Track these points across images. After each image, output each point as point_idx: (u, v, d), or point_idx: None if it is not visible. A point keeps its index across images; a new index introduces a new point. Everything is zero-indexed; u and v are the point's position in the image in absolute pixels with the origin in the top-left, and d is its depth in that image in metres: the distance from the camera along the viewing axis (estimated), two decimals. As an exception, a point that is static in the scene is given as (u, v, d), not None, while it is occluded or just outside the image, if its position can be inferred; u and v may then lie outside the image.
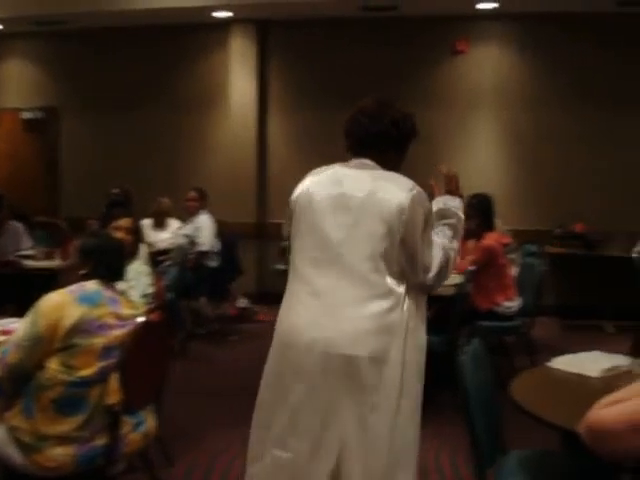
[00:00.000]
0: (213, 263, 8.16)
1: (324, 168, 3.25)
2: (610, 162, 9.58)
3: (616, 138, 9.63)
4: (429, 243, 2.98)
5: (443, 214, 3.18)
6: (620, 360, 3.48)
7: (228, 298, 8.99)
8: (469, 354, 3.11)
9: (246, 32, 10.27)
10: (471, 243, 6.66)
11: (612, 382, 3.19)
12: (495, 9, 9.51)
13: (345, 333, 2.86)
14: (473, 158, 9.96)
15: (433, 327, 3.80)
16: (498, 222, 6.80)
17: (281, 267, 8.98)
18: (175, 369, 5.31)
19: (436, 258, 2.99)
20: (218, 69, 10.49)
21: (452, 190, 3.31)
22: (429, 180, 3.34)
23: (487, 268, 6.25)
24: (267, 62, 10.44)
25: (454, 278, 6.07)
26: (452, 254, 3.07)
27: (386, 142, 3.14)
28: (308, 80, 10.32)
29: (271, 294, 9.72)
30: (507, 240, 6.86)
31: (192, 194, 8.39)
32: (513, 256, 7.50)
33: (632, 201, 9.53)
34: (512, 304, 6.40)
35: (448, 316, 5.84)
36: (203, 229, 8.10)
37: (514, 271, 7.02)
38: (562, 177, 9.74)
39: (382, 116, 3.17)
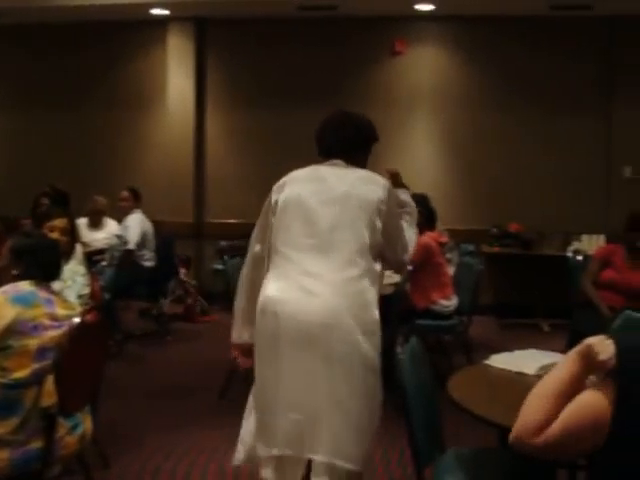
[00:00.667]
0: (149, 263, 8.08)
1: (304, 169, 3.66)
2: (545, 162, 9.71)
3: (551, 138, 9.77)
4: (401, 226, 3.52)
5: (402, 203, 3.68)
6: (555, 358, 3.52)
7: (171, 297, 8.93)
8: (407, 353, 3.12)
9: (184, 30, 10.20)
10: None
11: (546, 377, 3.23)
12: (432, 11, 9.59)
13: (335, 306, 3.23)
14: (411, 158, 10.02)
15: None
16: (437, 222, 6.85)
17: (219, 267, 8.94)
18: (111, 370, 5.27)
19: (411, 239, 3.57)
20: (156, 67, 10.40)
21: (398, 184, 3.79)
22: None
23: (424, 267, 6.29)
24: (205, 60, 10.38)
25: (392, 277, 6.10)
26: (412, 237, 3.62)
27: (352, 146, 3.59)
28: (246, 78, 10.28)
29: (209, 294, 9.70)
30: (444, 239, 6.91)
31: (125, 194, 8.27)
32: (450, 255, 7.57)
33: (567, 201, 9.68)
34: (449, 303, 6.45)
35: (386, 315, 5.85)
36: (130, 229, 7.99)
37: (451, 270, 7.08)
38: (498, 177, 9.85)
39: (347, 124, 3.66)
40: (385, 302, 5.81)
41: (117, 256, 7.77)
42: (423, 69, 10.06)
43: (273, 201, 3.55)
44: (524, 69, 9.79)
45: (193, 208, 10.32)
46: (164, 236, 8.56)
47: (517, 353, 3.68)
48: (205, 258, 10.32)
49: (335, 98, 10.01)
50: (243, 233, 9.54)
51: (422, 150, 10.08)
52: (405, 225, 3.57)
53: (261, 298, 3.38)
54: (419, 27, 10.00)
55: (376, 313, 3.35)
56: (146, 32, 10.37)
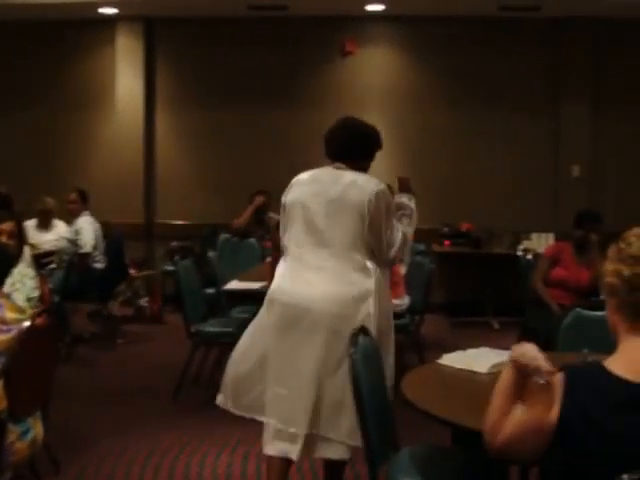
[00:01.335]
0: (99, 265, 8.00)
1: (307, 172, 4.11)
2: (495, 161, 9.81)
3: (500, 138, 9.87)
4: (391, 226, 3.88)
5: (400, 206, 4.11)
6: (506, 356, 3.53)
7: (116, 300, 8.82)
8: (359, 352, 3.12)
9: (132, 29, 10.10)
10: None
11: (499, 377, 3.25)
12: (383, 11, 9.62)
13: (333, 296, 3.75)
14: (361, 158, 10.04)
15: None
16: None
17: (169, 268, 8.89)
18: (62, 374, 5.21)
19: (397, 237, 3.89)
20: (104, 66, 10.28)
21: (405, 189, 4.25)
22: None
23: (377, 266, 6.30)
24: (154, 60, 10.29)
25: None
26: (408, 235, 3.98)
27: (354, 151, 4.01)
28: (196, 79, 10.22)
29: (160, 295, 9.64)
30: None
31: (73, 196, 8.15)
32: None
33: (517, 200, 9.79)
34: (401, 302, 6.46)
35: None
36: (84, 232, 7.90)
37: (403, 269, 7.10)
38: (449, 176, 9.92)
39: (350, 131, 4.08)
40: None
41: (67, 259, 7.68)
42: (374, 69, 10.09)
43: (282, 202, 4.05)
44: (474, 69, 9.88)
45: (143, 209, 10.23)
46: (113, 237, 8.47)
47: (469, 352, 3.70)
48: (155, 259, 10.25)
49: (286, 98, 10.03)
50: (194, 234, 9.65)
51: (373, 150, 10.10)
52: (398, 225, 3.95)
53: (270, 289, 3.96)
54: (370, 27, 10.03)
55: (369, 304, 3.75)
56: (94, 31, 10.24)
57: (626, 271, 2.15)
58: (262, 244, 8.08)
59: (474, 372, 3.39)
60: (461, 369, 3.44)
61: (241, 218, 8.31)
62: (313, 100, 10.01)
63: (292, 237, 3.95)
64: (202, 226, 9.65)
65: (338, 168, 3.99)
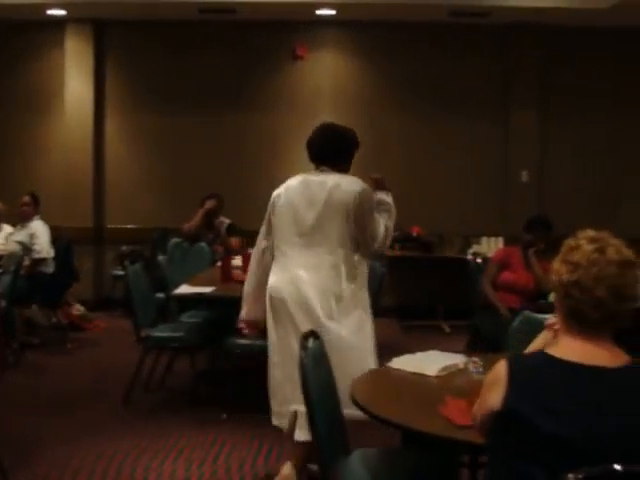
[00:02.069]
0: (48, 269, 7.91)
1: (296, 177, 4.46)
2: (446, 166, 9.88)
3: (451, 143, 9.95)
4: (374, 221, 4.25)
5: (380, 202, 4.43)
6: (455, 358, 3.58)
7: (63, 305, 8.71)
8: (310, 355, 3.12)
9: (82, 32, 9.99)
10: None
11: (448, 380, 3.28)
12: (334, 16, 9.64)
13: (321, 289, 4.17)
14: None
15: None
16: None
17: (119, 272, 8.81)
18: (9, 380, 5.15)
19: (380, 231, 4.27)
20: (53, 69, 10.16)
21: (381, 186, 4.55)
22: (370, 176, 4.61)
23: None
24: (104, 63, 10.19)
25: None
26: (389, 228, 4.34)
27: (332, 154, 4.41)
28: (146, 82, 10.15)
29: (110, 300, 9.56)
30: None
31: (26, 199, 8.06)
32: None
33: (467, 204, 9.87)
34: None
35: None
36: (38, 236, 7.82)
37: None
38: (399, 180, 9.93)
39: (329, 135, 4.50)
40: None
41: (16, 263, 7.57)
42: (324, 73, 10.11)
43: (273, 205, 4.42)
44: (424, 74, 9.95)
45: (92, 213, 10.12)
46: (62, 241, 8.38)
47: (418, 355, 3.72)
48: (105, 264, 10.16)
49: (237, 102, 10.01)
50: (144, 238, 9.57)
51: (324, 154, 10.11)
52: (381, 220, 4.31)
53: (268, 286, 4.31)
54: (320, 32, 10.05)
55: (354, 297, 4.25)
56: (43, 33, 10.12)
57: (565, 275, 2.25)
58: (213, 248, 8.05)
59: (424, 375, 3.41)
60: (411, 372, 3.46)
61: (191, 222, 8.27)
62: (264, 104, 10.00)
63: (284, 238, 4.33)
64: (152, 230, 9.59)
65: (322, 172, 4.37)
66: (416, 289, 9.95)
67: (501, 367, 2.22)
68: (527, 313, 4.13)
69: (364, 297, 4.39)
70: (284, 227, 4.33)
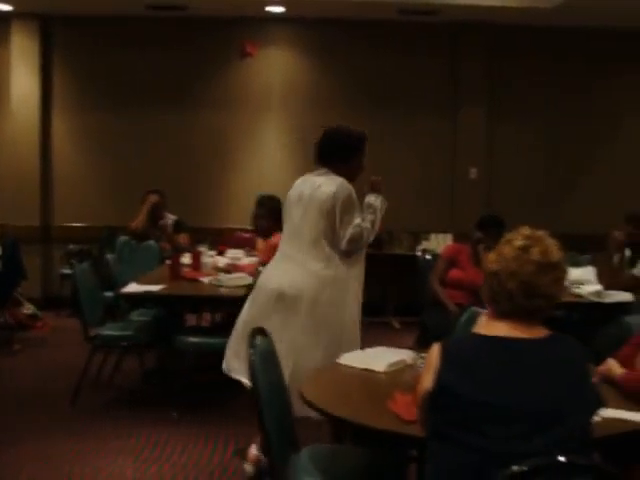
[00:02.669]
0: (-5, 268, 7.81)
1: (301, 177, 4.71)
2: (395, 163, 9.91)
3: (400, 140, 9.98)
4: (346, 221, 4.43)
5: (369, 205, 4.67)
6: (404, 354, 3.60)
7: (11, 305, 8.58)
8: (258, 353, 3.12)
9: (28, 27, 9.83)
10: (261, 242, 6.72)
11: (397, 376, 3.30)
12: (283, 13, 9.63)
13: (297, 281, 4.42)
14: (263, 159, 10.05)
15: (224, 328, 4.27)
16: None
17: (66, 271, 8.72)
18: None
19: (348, 232, 4.43)
20: (-2, 65, 10.03)
21: (377, 190, 4.77)
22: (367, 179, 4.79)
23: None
24: (50, 59, 10.04)
25: (244, 279, 6.10)
26: (365, 231, 4.51)
27: (329, 156, 4.59)
28: (94, 78, 10.03)
29: (57, 299, 9.46)
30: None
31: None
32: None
33: (416, 201, 9.92)
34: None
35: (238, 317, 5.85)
36: None
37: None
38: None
39: (326, 138, 4.67)
40: (237, 304, 5.85)
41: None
42: (274, 71, 10.09)
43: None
44: (374, 71, 9.98)
45: (40, 211, 9.99)
46: (8, 239, 8.26)
47: (367, 351, 3.74)
48: (53, 263, 10.05)
49: (185, 99, 9.96)
50: (92, 236, 9.49)
51: (273, 151, 10.12)
52: (355, 222, 4.47)
53: (258, 282, 4.68)
54: (270, 29, 10.02)
55: (327, 291, 4.42)
56: (-12, 29, 9.98)
57: (490, 265, 2.48)
58: (160, 246, 8.01)
59: (372, 371, 3.43)
60: (359, 368, 3.48)
61: (137, 219, 8.21)
62: (213, 102, 9.96)
63: (283, 233, 4.68)
64: (100, 228, 9.51)
65: (320, 172, 4.58)
66: (366, 286, 9.91)
67: (435, 350, 2.42)
68: (474, 309, 4.16)
69: (338, 294, 4.50)
70: (284, 222, 4.69)
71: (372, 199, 4.71)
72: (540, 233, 2.50)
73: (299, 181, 4.68)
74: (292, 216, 4.59)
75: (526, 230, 2.51)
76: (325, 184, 4.48)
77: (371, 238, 4.63)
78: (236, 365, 4.57)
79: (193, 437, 5.27)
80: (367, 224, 4.56)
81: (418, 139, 9.99)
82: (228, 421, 5.54)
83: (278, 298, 4.45)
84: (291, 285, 4.43)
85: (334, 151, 4.60)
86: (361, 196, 4.69)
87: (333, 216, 4.43)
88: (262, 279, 4.65)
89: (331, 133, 4.70)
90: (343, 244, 4.46)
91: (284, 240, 4.65)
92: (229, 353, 4.70)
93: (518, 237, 2.48)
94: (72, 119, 10.13)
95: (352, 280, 4.62)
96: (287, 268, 4.51)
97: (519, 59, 10.09)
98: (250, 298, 4.70)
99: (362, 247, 4.63)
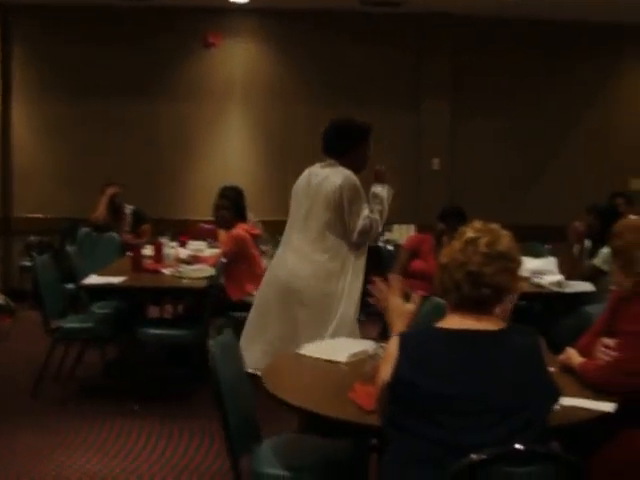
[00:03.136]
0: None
1: (308, 168, 4.75)
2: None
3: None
4: (355, 213, 4.48)
5: (375, 195, 4.72)
6: (366, 345, 3.60)
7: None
8: (219, 345, 3.11)
9: (-14, 16, 9.74)
10: (223, 234, 6.69)
11: (358, 366, 3.30)
12: (247, 3, 9.58)
13: (303, 273, 4.48)
14: (226, 150, 10.01)
15: (186, 320, 4.24)
16: (249, 214, 6.87)
17: (27, 263, 8.63)
18: None
19: (359, 223, 4.48)
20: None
21: (382, 179, 4.83)
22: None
23: (238, 259, 6.30)
24: (10, 48, 9.90)
25: (206, 270, 6.09)
26: (374, 222, 4.56)
27: (333, 147, 4.63)
28: (55, 69, 9.91)
29: (18, 292, 9.36)
30: (257, 231, 6.93)
31: None
32: (265, 247, 7.60)
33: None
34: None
35: (201, 308, 5.84)
36: None
37: (266, 262, 7.11)
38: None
39: (330, 129, 4.70)
40: (199, 295, 5.84)
41: None
42: (237, 62, 10.05)
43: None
44: (338, 62, 9.97)
45: (-1, 202, 9.90)
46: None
47: (329, 342, 3.75)
48: (13, 255, 9.94)
49: (148, 90, 9.89)
50: (53, 228, 9.39)
51: (236, 142, 10.09)
52: (364, 213, 4.51)
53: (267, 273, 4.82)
54: (233, 20, 9.98)
55: (332, 282, 4.49)
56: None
57: (444, 258, 2.54)
58: (122, 237, 7.96)
59: (334, 361, 3.43)
60: (321, 359, 3.47)
61: (98, 211, 8.15)
62: (175, 92, 9.90)
63: (289, 222, 4.69)
64: (61, 220, 9.42)
65: (327, 164, 4.62)
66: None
67: (393, 342, 2.46)
68: (435, 299, 4.17)
69: (341, 286, 4.55)
70: (291, 213, 4.69)
71: (378, 189, 4.77)
72: (492, 225, 2.55)
73: (305, 173, 4.72)
74: (298, 208, 4.63)
75: (478, 223, 2.56)
76: (331, 176, 4.52)
77: (380, 229, 4.71)
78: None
79: (156, 430, 5.24)
80: (375, 215, 4.63)
81: (382, 130, 9.92)
82: (191, 414, 5.52)
83: (284, 290, 4.53)
84: (297, 276, 4.50)
85: (339, 142, 4.63)
86: (367, 186, 4.77)
87: (340, 208, 4.47)
88: (269, 271, 4.75)
89: (336, 124, 4.73)
90: (354, 236, 4.52)
91: (290, 232, 4.67)
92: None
93: (469, 230, 2.53)
94: (32, 110, 10.02)
95: (358, 271, 4.65)
96: (293, 260, 4.55)
97: (483, 51, 10.13)
98: (259, 289, 4.81)
99: (372, 238, 4.69)
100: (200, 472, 4.59)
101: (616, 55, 10.33)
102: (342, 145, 4.63)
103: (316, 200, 4.53)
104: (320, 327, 4.41)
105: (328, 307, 4.47)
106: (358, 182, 4.54)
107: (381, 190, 4.78)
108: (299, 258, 4.53)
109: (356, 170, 4.60)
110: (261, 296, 4.74)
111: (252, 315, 4.74)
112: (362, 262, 4.70)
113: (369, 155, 4.75)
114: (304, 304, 4.47)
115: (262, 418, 3.48)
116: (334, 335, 4.33)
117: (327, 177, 4.53)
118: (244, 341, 4.59)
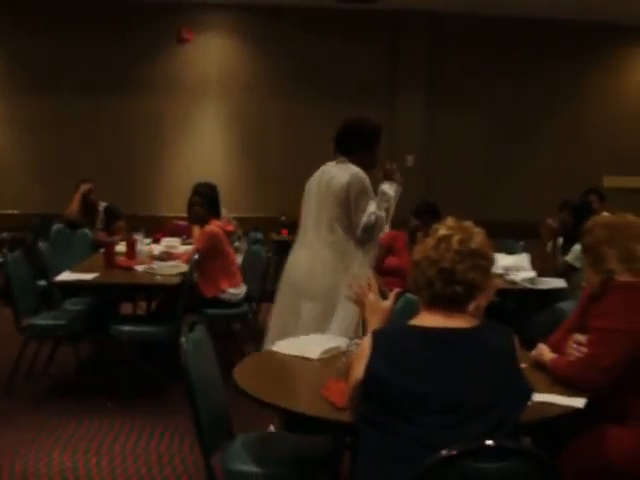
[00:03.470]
0: None
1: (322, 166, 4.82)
2: (331, 150, 9.89)
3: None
4: (360, 209, 4.55)
5: (383, 193, 4.72)
6: (338, 341, 3.60)
7: None
8: (191, 342, 3.10)
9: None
10: (197, 230, 6.67)
11: (330, 363, 3.30)
12: (221, -1, 9.58)
13: (313, 269, 4.59)
14: (199, 146, 9.99)
15: (159, 317, 4.20)
16: (223, 210, 6.86)
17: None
18: None
19: (363, 220, 4.55)
20: None
21: (390, 177, 4.84)
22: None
23: (212, 255, 6.28)
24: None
25: (179, 267, 6.07)
26: (379, 219, 4.60)
27: (344, 146, 4.74)
28: (27, 65, 9.83)
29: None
30: (231, 228, 6.92)
31: None
32: (238, 244, 7.60)
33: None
34: (238, 291, 6.48)
35: (174, 305, 5.82)
36: None
37: (239, 258, 7.11)
38: (286, 165, 9.97)
39: (342, 128, 4.80)
40: (172, 292, 5.82)
41: None
42: (211, 57, 10.03)
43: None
44: (313, 59, 9.98)
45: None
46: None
47: (301, 338, 3.74)
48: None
49: (121, 85, 9.84)
50: (26, 224, 9.32)
51: (210, 139, 10.06)
52: (369, 209, 4.57)
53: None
54: (207, 15, 9.96)
55: (338, 277, 4.50)
56: None
57: (416, 256, 2.54)
58: (94, 234, 7.92)
59: (306, 358, 3.42)
60: (294, 355, 3.47)
61: (71, 207, 8.11)
62: (148, 87, 9.86)
63: (302, 220, 4.80)
64: (33, 216, 9.35)
65: (338, 161, 4.71)
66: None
67: (366, 340, 2.46)
68: (409, 295, 4.18)
69: (347, 281, 4.41)
70: (303, 210, 4.80)
71: (386, 187, 4.79)
72: (465, 223, 2.56)
73: (318, 171, 4.79)
74: (310, 205, 4.72)
75: (451, 221, 2.56)
76: (340, 173, 4.61)
77: (386, 226, 4.75)
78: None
79: (129, 427, 5.20)
80: (381, 212, 4.66)
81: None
82: (165, 410, 5.50)
83: (296, 285, 4.65)
84: (308, 272, 4.60)
85: (350, 140, 4.72)
86: (377, 184, 4.82)
87: (347, 204, 4.55)
88: (285, 267, 4.81)
89: (349, 123, 4.82)
90: (358, 232, 4.58)
91: (302, 229, 4.77)
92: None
93: (442, 228, 2.53)
94: (4, 104, 9.94)
95: (364, 267, 4.65)
96: (305, 256, 4.66)
97: (457, 47, 10.18)
98: (278, 288, 4.86)
99: (377, 235, 4.73)
100: (173, 468, 4.57)
101: (588, 53, 10.39)
102: (353, 144, 4.72)
103: (326, 197, 4.62)
104: (325, 321, 4.49)
105: (333, 301, 4.53)
106: (367, 179, 4.64)
107: (389, 188, 4.81)
108: (311, 253, 4.63)
109: (366, 168, 4.70)
110: (278, 293, 4.83)
111: (274, 314, 4.81)
112: (369, 258, 4.74)
113: (379, 154, 4.85)
114: (312, 298, 4.55)
115: (241, 416, 3.48)
116: (346, 330, 4.35)
117: (336, 174, 4.63)
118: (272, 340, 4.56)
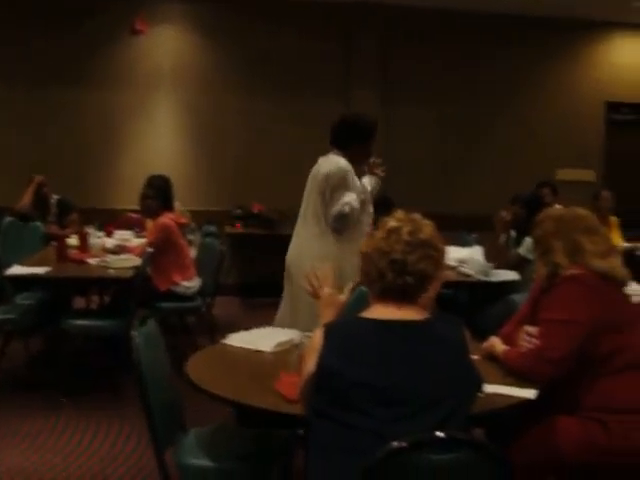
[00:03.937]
0: None
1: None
2: (287, 143, 9.91)
3: (293, 120, 9.97)
4: (335, 199, 4.72)
5: (362, 186, 4.91)
6: (291, 334, 3.60)
7: None
8: (143, 335, 3.08)
9: None
10: (150, 223, 6.63)
11: (283, 355, 3.30)
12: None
13: (299, 256, 4.85)
14: (153, 139, 9.92)
15: (112, 311, 4.16)
16: (177, 203, 6.82)
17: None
18: None
19: (336, 209, 4.73)
20: None
21: (372, 172, 5.11)
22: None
23: (165, 248, 6.25)
24: None
25: (132, 260, 6.02)
26: (353, 210, 4.74)
27: (336, 139, 4.91)
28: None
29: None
30: (184, 220, 6.89)
31: None
32: (192, 237, 7.57)
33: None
34: (191, 284, 6.46)
35: (128, 298, 5.78)
36: None
37: (193, 252, 7.08)
38: (241, 158, 9.96)
39: (339, 123, 4.93)
40: (125, 285, 5.77)
41: None
42: (165, 49, 9.96)
43: None
44: (268, 51, 9.96)
45: None
46: None
47: (254, 331, 3.73)
48: None
49: (73, 77, 9.73)
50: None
51: (164, 131, 10.00)
52: (343, 200, 4.71)
53: None
54: (161, 6, 9.89)
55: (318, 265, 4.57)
56: None
57: (366, 248, 2.55)
58: (47, 227, 7.84)
59: (259, 351, 3.42)
60: (246, 348, 3.46)
61: (23, 200, 8.02)
62: (101, 79, 9.76)
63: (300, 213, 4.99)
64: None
65: (331, 153, 4.88)
66: (258, 266, 9.97)
67: (318, 333, 2.47)
68: (362, 288, 4.18)
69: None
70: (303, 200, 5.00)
71: (365, 180, 5.01)
72: (414, 215, 2.58)
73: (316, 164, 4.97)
74: (304, 197, 4.95)
75: (400, 213, 2.59)
76: (323, 164, 4.84)
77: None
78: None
79: (84, 422, 5.15)
80: (356, 204, 4.77)
81: (311, 119, 9.97)
82: (120, 405, 5.46)
83: (288, 273, 4.94)
84: (295, 259, 4.88)
85: (345, 135, 4.87)
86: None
87: (323, 194, 4.77)
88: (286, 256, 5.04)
89: (345, 119, 4.98)
90: (330, 220, 4.77)
91: (299, 219, 4.98)
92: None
93: (391, 220, 2.55)
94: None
95: (346, 257, 4.67)
96: (295, 244, 4.94)
97: (412, 41, 10.22)
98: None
99: (348, 225, 4.80)
100: (129, 463, 4.54)
101: (540, 46, 10.49)
102: (347, 138, 4.87)
103: (312, 188, 4.85)
104: (306, 310, 4.52)
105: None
106: (350, 172, 4.80)
107: (368, 181, 5.01)
108: (299, 242, 4.91)
109: (359, 161, 4.95)
110: (284, 281, 5.04)
111: (282, 301, 5.03)
112: (350, 246, 4.71)
113: (371, 151, 5.00)
114: (298, 285, 4.65)
115: (196, 410, 3.46)
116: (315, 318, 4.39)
117: (320, 165, 4.85)
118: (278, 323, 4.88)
